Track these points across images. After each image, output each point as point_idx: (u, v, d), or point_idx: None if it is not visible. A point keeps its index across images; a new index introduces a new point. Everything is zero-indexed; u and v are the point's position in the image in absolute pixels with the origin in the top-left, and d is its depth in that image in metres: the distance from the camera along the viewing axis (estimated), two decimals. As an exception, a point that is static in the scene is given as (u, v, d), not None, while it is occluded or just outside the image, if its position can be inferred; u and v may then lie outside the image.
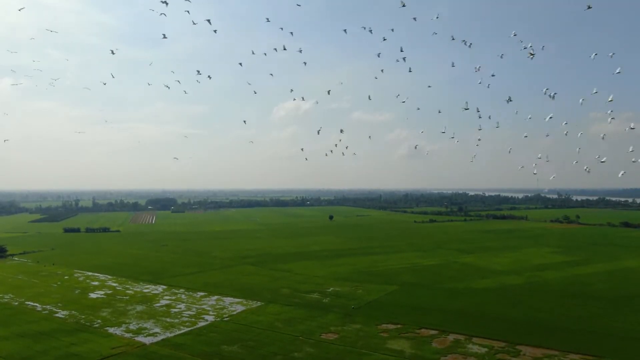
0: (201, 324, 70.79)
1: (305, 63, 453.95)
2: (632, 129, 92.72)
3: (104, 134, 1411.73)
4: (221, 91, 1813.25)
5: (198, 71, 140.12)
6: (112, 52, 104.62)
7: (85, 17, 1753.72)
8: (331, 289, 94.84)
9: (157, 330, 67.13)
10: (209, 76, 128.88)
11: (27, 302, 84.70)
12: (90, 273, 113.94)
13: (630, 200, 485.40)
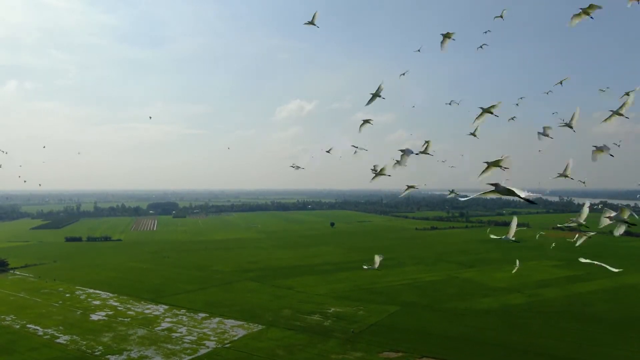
0: (202, 351, 70.89)
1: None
2: None
3: (105, 134, 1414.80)
4: (222, 91, 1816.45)
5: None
6: None
7: (86, 17, 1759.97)
8: (332, 309, 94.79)
9: (158, 359, 67.20)
10: None
11: (28, 325, 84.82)
12: (91, 290, 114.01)
13: (632, 203, 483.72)
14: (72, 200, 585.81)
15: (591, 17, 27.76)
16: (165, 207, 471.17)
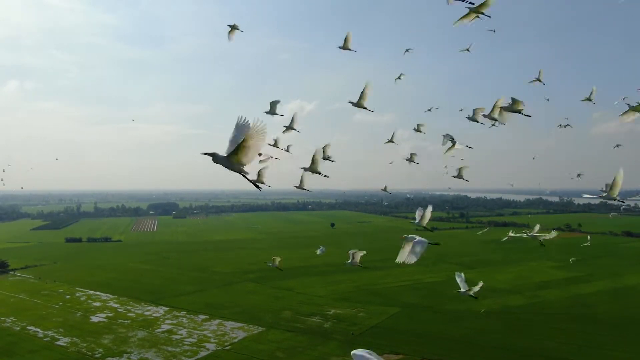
0: (202, 353, 70.87)
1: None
2: None
3: (105, 134, 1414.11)
4: (222, 91, 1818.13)
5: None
6: None
7: (87, 17, 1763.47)
8: (332, 311, 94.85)
9: (158, 361, 67.17)
10: None
11: (28, 327, 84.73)
12: (92, 292, 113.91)
13: (632, 204, 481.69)
14: (72, 201, 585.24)
15: (487, 16, 22.87)
16: (165, 208, 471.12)
